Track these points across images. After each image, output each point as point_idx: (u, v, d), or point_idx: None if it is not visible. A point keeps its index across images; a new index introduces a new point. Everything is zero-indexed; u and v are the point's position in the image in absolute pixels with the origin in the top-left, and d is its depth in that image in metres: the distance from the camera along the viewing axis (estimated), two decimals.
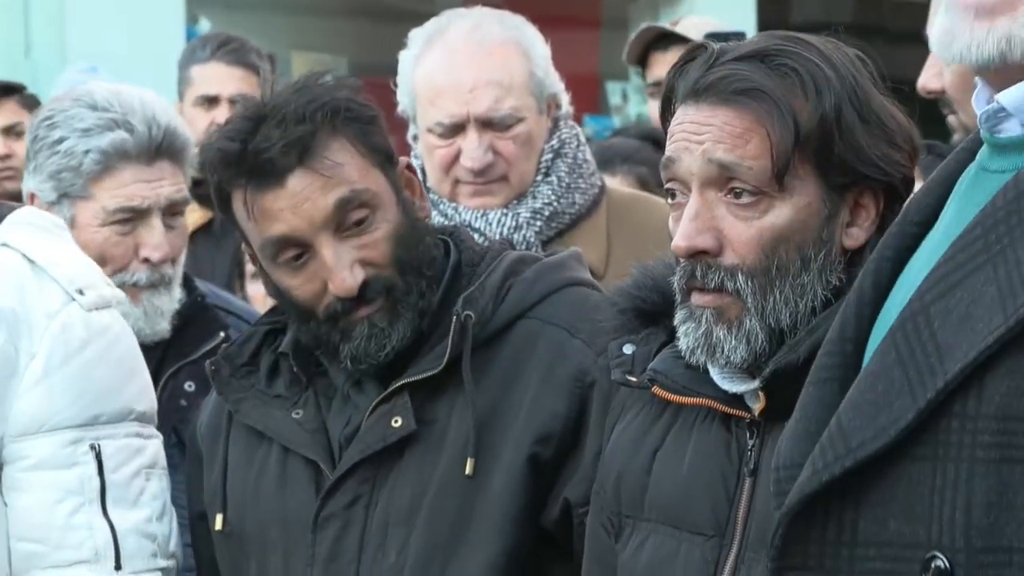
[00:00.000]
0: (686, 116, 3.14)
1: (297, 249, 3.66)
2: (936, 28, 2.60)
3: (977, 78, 2.63)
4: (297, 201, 3.64)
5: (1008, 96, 2.55)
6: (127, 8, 12.10)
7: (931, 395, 2.42)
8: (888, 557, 2.45)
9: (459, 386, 3.68)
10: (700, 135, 3.11)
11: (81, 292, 3.73)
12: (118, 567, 3.72)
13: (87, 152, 4.37)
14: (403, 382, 3.68)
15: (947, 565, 2.40)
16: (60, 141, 4.41)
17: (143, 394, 3.85)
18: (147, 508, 3.79)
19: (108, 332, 3.78)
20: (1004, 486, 2.38)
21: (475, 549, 3.66)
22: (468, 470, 3.65)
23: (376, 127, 3.78)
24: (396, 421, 3.68)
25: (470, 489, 3.67)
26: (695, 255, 3.11)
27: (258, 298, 5.90)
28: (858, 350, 2.63)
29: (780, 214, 3.08)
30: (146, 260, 4.38)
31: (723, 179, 3.09)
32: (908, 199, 2.81)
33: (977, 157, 2.65)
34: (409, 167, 3.88)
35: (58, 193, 4.43)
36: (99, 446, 3.73)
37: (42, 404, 3.68)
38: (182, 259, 4.55)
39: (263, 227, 3.67)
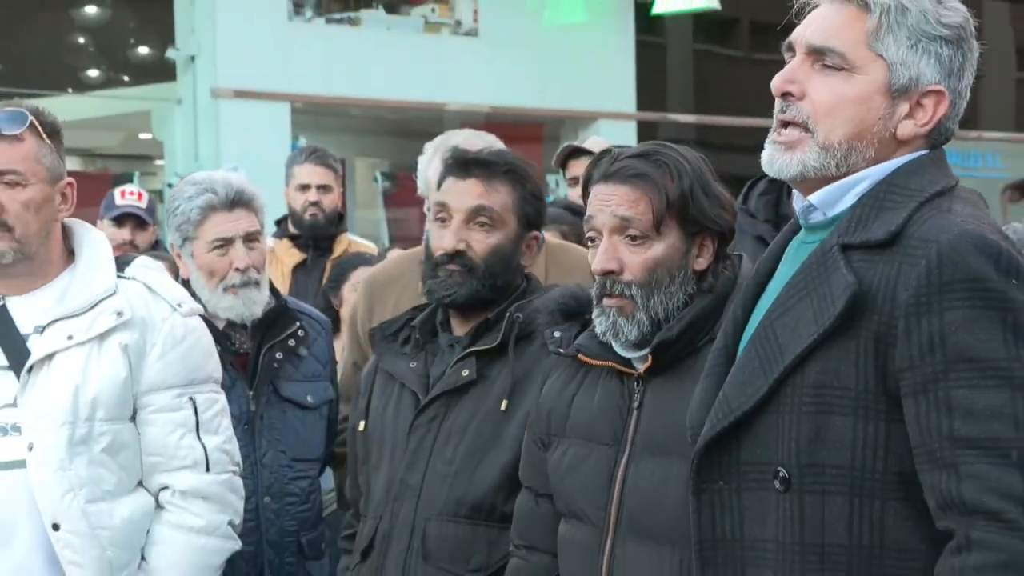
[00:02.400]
0: (601, 191, 3.14)
1: (445, 214, 3.72)
2: (764, 155, 2.58)
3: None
4: (462, 191, 3.71)
5: (815, 197, 2.54)
6: (257, 132, 12.08)
7: (776, 375, 2.45)
8: (759, 471, 2.47)
9: (506, 357, 3.68)
10: (609, 201, 3.11)
11: (179, 305, 3.74)
12: (207, 470, 3.73)
13: (191, 209, 4.35)
14: (472, 350, 3.69)
15: (787, 474, 2.43)
16: (177, 207, 4.41)
17: (217, 368, 3.85)
18: (223, 435, 3.78)
19: (196, 330, 3.77)
20: (818, 427, 2.41)
21: (499, 452, 3.63)
22: (503, 407, 3.64)
23: (532, 200, 3.84)
24: (465, 372, 3.68)
25: (502, 418, 3.64)
26: (606, 274, 3.11)
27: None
28: (731, 353, 2.63)
29: (657, 249, 3.08)
30: (237, 269, 4.33)
31: (623, 227, 3.09)
32: (757, 261, 2.80)
33: (798, 235, 2.65)
34: (536, 238, 3.90)
35: (182, 238, 4.40)
36: (194, 398, 3.74)
37: (159, 373, 3.68)
38: (266, 268, 4.49)
39: (440, 195, 3.77)
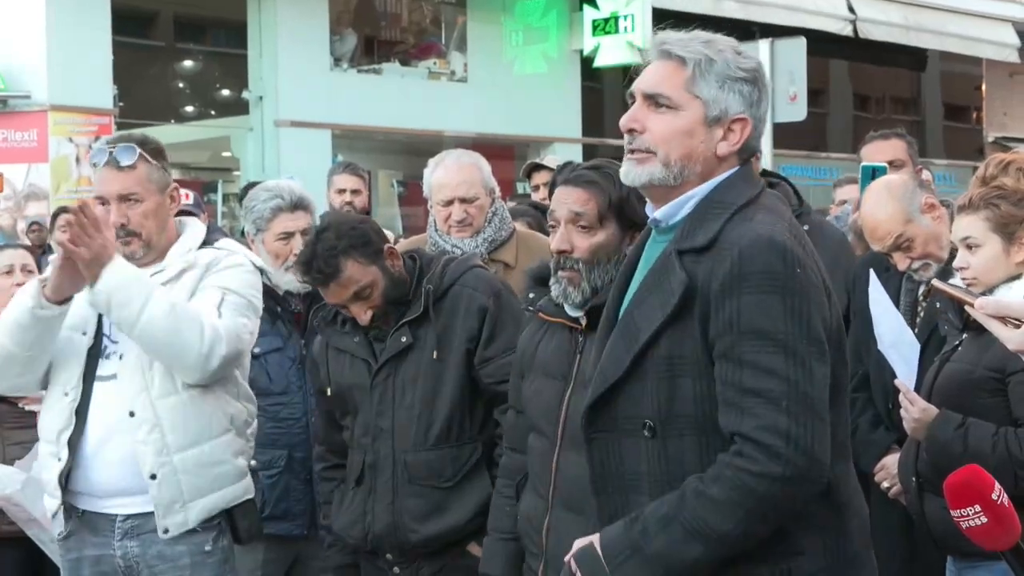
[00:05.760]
0: (561, 191, 3.07)
1: (345, 308, 3.56)
2: (622, 170, 2.51)
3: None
4: (335, 295, 3.53)
5: (659, 212, 2.48)
6: (307, 151, 12.06)
7: (636, 351, 2.37)
8: (632, 423, 2.39)
9: (429, 320, 3.55)
10: (567, 199, 3.03)
11: (232, 253, 3.66)
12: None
13: (264, 210, 4.27)
14: (403, 321, 3.56)
15: (653, 424, 2.36)
16: (254, 206, 4.31)
17: (256, 295, 3.67)
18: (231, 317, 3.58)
19: (243, 265, 3.63)
20: (671, 388, 2.35)
21: (446, 391, 3.53)
22: (435, 356, 3.53)
23: (378, 238, 3.61)
24: (403, 339, 3.54)
25: (439, 366, 3.54)
26: (561, 252, 3.04)
27: None
28: (612, 323, 2.53)
29: (600, 237, 2.99)
30: (295, 254, 4.21)
31: (576, 219, 3.01)
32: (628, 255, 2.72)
33: (650, 236, 2.58)
34: (392, 250, 3.65)
35: (255, 230, 4.30)
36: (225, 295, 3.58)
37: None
38: None
39: (327, 300, 3.60)
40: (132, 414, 3.40)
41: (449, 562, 3.54)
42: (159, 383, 3.43)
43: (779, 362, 2.27)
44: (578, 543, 2.43)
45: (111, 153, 3.50)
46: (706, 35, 2.51)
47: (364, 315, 3.54)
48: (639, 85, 2.50)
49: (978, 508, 2.16)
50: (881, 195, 3.95)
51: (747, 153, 2.50)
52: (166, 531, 3.43)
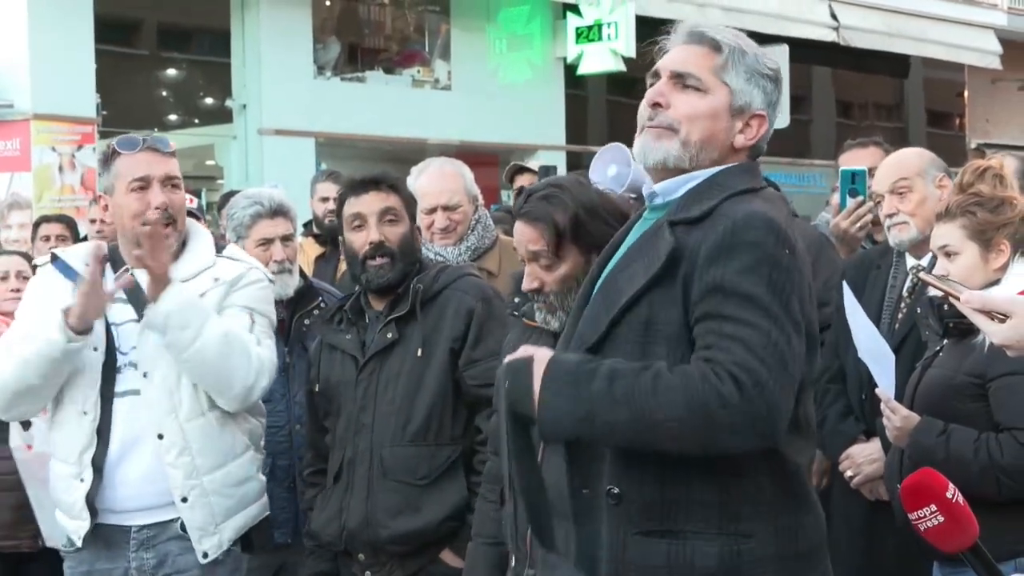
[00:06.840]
0: (518, 228, 3.04)
1: (360, 221, 3.62)
2: (636, 147, 2.49)
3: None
4: (367, 203, 3.62)
5: (659, 186, 2.47)
6: (290, 159, 12.07)
7: (615, 313, 2.37)
8: None
9: (416, 318, 3.59)
10: (522, 239, 3.01)
11: (252, 268, 3.64)
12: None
13: (244, 217, 4.28)
14: (390, 317, 3.60)
15: None
16: (234, 213, 4.33)
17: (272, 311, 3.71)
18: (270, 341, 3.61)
19: (262, 280, 3.63)
20: (644, 355, 2.31)
21: (426, 389, 3.56)
22: (419, 354, 3.56)
23: (412, 201, 3.75)
24: (389, 335, 3.58)
25: (423, 364, 3.56)
26: (532, 291, 3.03)
27: None
28: (587, 301, 2.53)
29: (563, 268, 2.96)
30: (275, 261, 4.25)
31: (535, 257, 2.98)
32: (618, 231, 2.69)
33: (643, 213, 2.56)
34: (416, 228, 3.78)
35: (236, 236, 4.31)
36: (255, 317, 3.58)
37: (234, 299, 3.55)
38: (296, 260, 4.40)
39: (349, 209, 3.64)
40: (161, 436, 3.35)
41: (425, 565, 3.55)
42: (187, 405, 3.39)
43: (761, 320, 2.25)
44: (522, 350, 2.42)
45: (144, 140, 3.47)
46: (733, 30, 2.52)
47: (375, 234, 3.60)
48: (666, 63, 2.49)
49: (934, 508, 2.17)
50: (910, 149, 4.21)
51: (756, 153, 2.51)
52: (205, 555, 3.40)
